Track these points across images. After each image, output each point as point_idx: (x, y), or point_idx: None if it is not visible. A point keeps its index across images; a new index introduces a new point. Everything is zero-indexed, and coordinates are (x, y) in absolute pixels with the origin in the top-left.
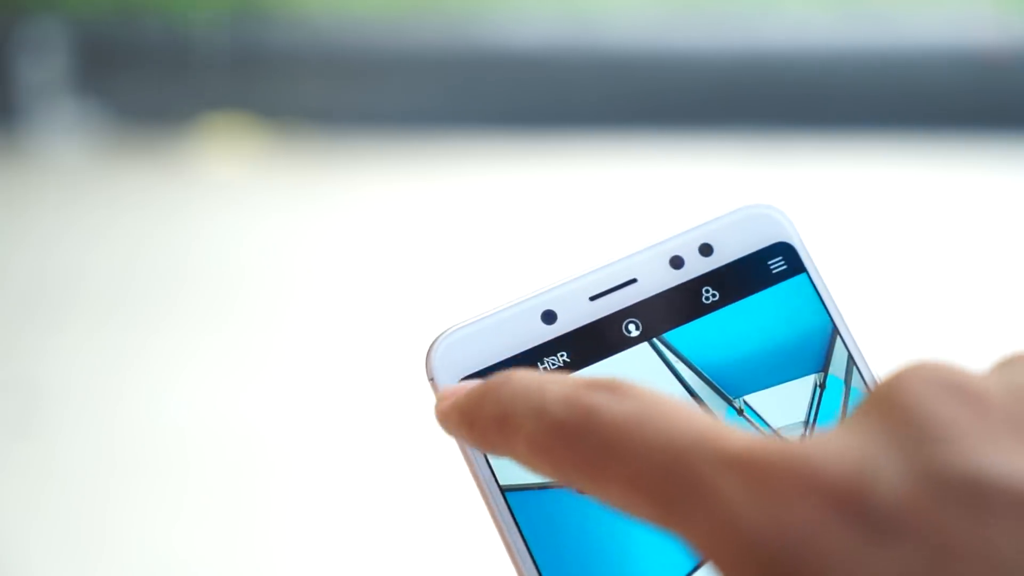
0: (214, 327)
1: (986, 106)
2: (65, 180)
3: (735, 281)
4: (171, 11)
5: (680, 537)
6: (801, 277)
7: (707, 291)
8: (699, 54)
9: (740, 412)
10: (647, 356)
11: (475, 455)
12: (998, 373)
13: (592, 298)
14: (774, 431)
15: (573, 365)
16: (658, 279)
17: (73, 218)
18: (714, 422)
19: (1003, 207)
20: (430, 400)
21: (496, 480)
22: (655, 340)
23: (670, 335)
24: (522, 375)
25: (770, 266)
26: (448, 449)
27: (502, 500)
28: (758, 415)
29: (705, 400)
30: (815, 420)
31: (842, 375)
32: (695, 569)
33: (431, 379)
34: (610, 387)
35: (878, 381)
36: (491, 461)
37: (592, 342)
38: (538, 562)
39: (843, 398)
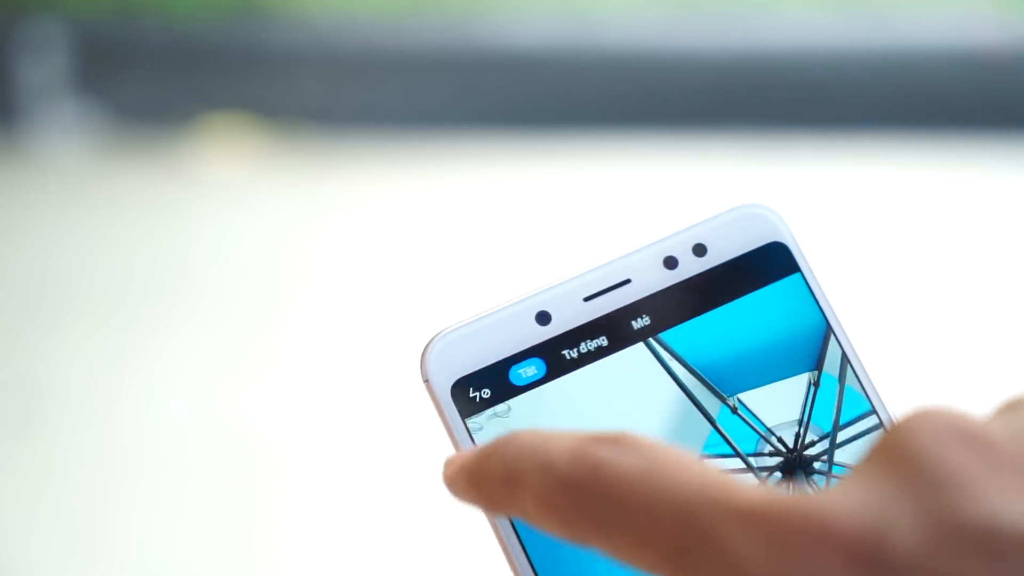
0: (214, 327)
1: (986, 106)
2: (65, 180)
3: (729, 281)
4: (171, 11)
5: None
6: (795, 277)
7: (701, 291)
8: (699, 54)
9: (734, 410)
10: (642, 356)
11: None
12: (1002, 418)
13: (586, 299)
14: (768, 429)
15: (567, 367)
16: (652, 279)
17: (73, 218)
18: (723, 475)
19: (1003, 207)
20: (427, 402)
21: None
22: (650, 340)
23: (665, 335)
24: (526, 433)
25: (764, 266)
26: (446, 450)
27: None
28: (752, 413)
29: (699, 398)
30: (809, 418)
31: (836, 373)
32: None
33: (426, 381)
34: (616, 440)
35: (887, 426)
36: None
37: (586, 343)
38: (534, 563)
39: (837, 396)
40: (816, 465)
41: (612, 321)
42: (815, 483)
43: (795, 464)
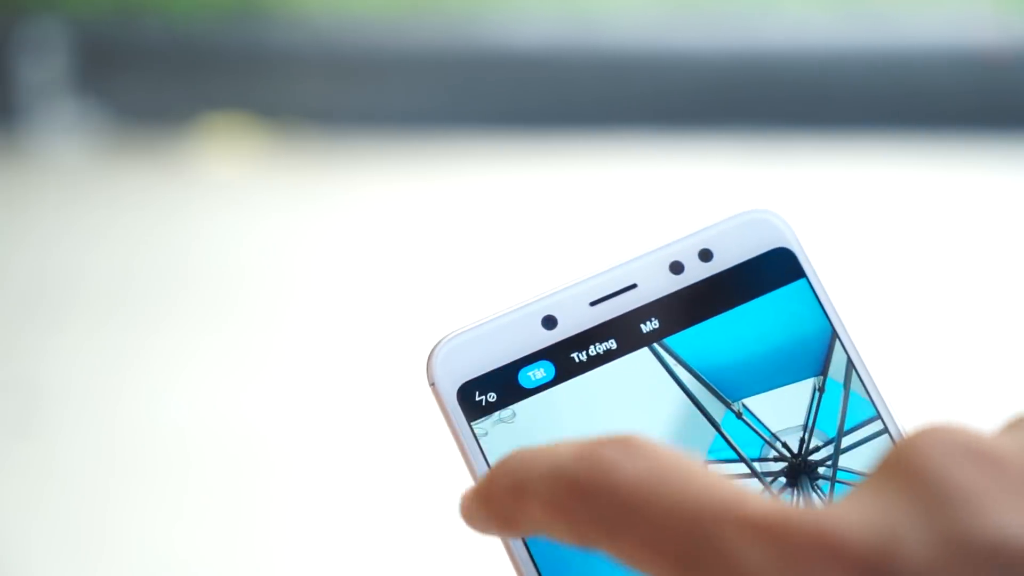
0: (214, 327)
1: (986, 106)
2: (65, 180)
3: (735, 286)
4: (171, 11)
5: None
6: (800, 282)
7: (707, 297)
8: (699, 54)
9: (739, 415)
10: (647, 361)
11: (476, 458)
12: (1009, 435)
13: (592, 303)
14: (773, 434)
15: (575, 370)
16: (658, 284)
17: (73, 218)
18: (734, 485)
19: (1003, 207)
20: (431, 403)
21: None
22: (655, 345)
23: (670, 340)
24: (532, 446)
25: (770, 271)
26: (449, 451)
27: None
28: (757, 418)
29: (704, 403)
30: (814, 423)
31: (841, 379)
32: None
33: (432, 384)
34: (624, 443)
35: (894, 437)
36: (491, 464)
37: (592, 347)
38: (539, 567)
39: (842, 402)
40: (821, 470)
41: (618, 326)
42: (820, 488)
43: (800, 469)
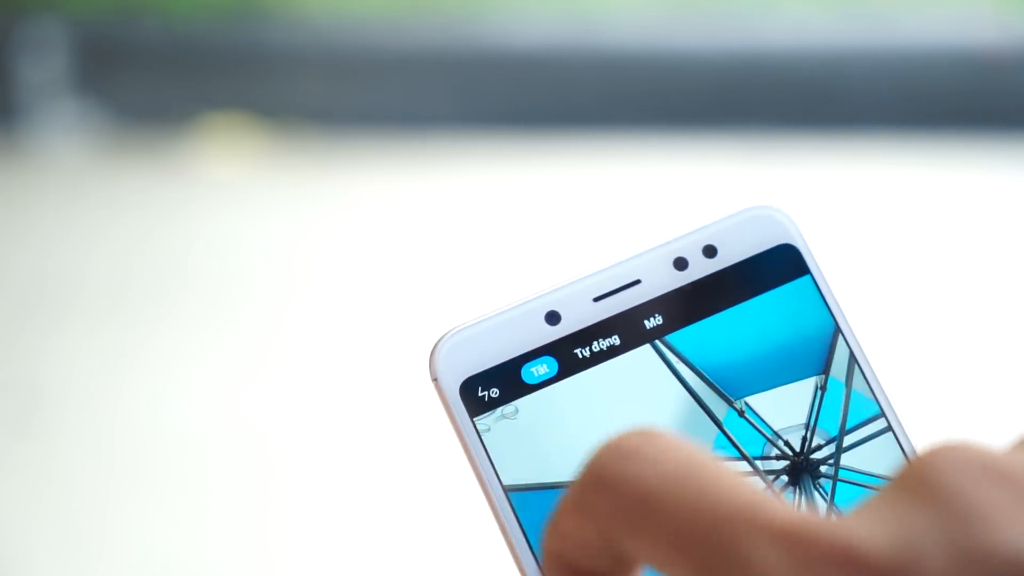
0: (214, 327)
1: (986, 106)
2: (65, 180)
3: (739, 283)
4: (171, 11)
5: None
6: (805, 279)
7: (711, 293)
8: (699, 54)
9: (741, 413)
10: (650, 357)
11: (478, 453)
12: (1022, 451)
13: (596, 299)
14: (775, 432)
15: (576, 367)
16: (662, 280)
17: (73, 218)
18: (758, 492)
19: (1003, 207)
20: (433, 400)
21: (499, 480)
22: (657, 342)
23: (673, 337)
24: None
25: (774, 268)
26: (451, 449)
27: (505, 500)
28: (759, 416)
29: (706, 401)
30: (816, 422)
31: (843, 378)
32: None
33: (435, 379)
34: (647, 436)
35: (909, 458)
36: (494, 460)
37: (595, 343)
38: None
39: (844, 400)
40: (823, 469)
41: (621, 322)
42: (821, 487)
43: (801, 468)
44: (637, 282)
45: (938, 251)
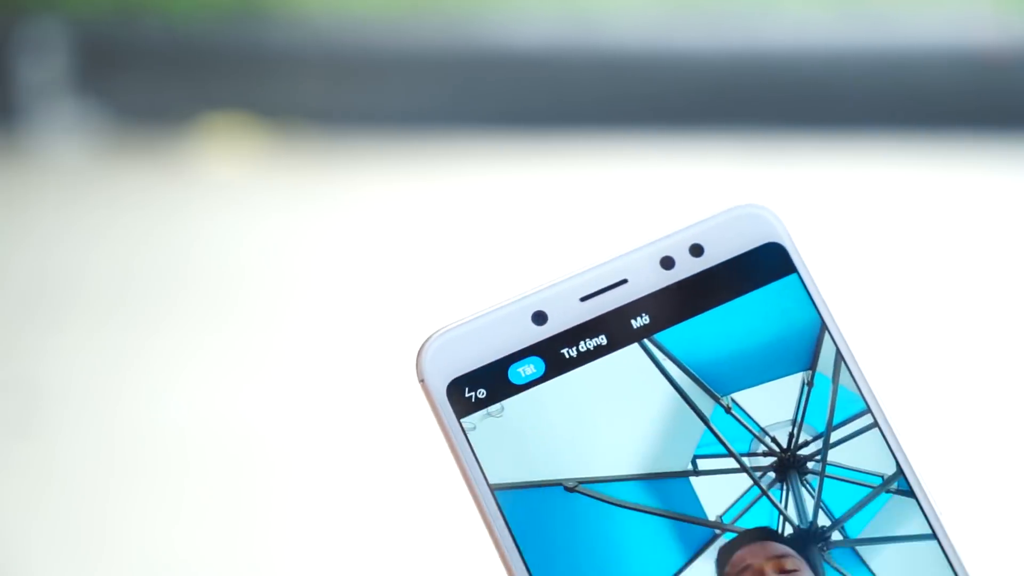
0: (214, 327)
1: (986, 106)
2: (65, 180)
3: (726, 281)
4: (171, 11)
5: None
6: (791, 277)
7: (697, 292)
8: (699, 54)
9: (728, 410)
10: (636, 357)
11: (465, 454)
12: None
13: (583, 299)
14: (762, 428)
15: (565, 366)
16: (649, 280)
17: (73, 218)
18: None
19: (1003, 207)
20: (423, 401)
21: (486, 479)
22: (645, 341)
23: (660, 336)
24: None
25: (761, 266)
26: (440, 449)
27: (492, 499)
28: (745, 412)
29: (693, 398)
30: (803, 418)
31: (830, 373)
32: (683, 568)
33: (421, 381)
34: None
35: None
36: (481, 460)
37: (582, 343)
38: (528, 561)
39: (831, 395)
40: (810, 465)
41: (608, 321)
42: (808, 484)
43: (788, 464)
44: (624, 281)
45: (938, 251)
